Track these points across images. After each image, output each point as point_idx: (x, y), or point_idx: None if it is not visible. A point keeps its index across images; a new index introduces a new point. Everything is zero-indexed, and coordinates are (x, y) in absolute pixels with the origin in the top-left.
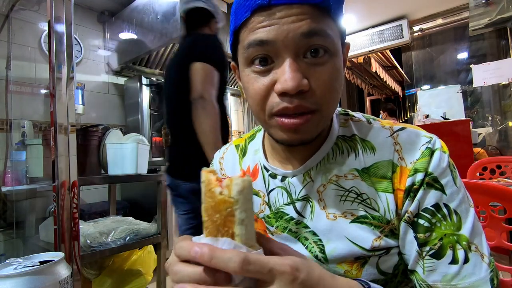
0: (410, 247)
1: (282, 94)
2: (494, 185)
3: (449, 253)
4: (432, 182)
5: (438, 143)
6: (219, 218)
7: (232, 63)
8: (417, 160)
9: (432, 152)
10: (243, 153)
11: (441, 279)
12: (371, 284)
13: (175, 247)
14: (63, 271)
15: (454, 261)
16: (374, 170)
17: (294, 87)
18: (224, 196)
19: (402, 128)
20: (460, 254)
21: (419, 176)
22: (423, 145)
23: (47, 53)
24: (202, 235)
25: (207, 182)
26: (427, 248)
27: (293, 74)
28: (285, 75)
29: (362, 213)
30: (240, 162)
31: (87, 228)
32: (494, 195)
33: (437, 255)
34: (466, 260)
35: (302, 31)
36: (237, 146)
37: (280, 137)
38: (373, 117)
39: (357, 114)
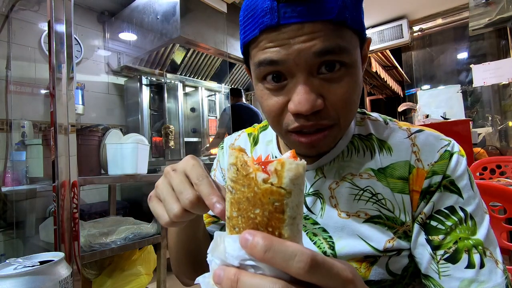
0: (422, 250)
1: (297, 115)
2: (494, 185)
3: (464, 257)
4: (450, 185)
5: (457, 146)
6: (260, 214)
7: (245, 66)
8: (435, 162)
9: (451, 155)
10: (255, 141)
11: (459, 284)
12: None
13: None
14: (63, 271)
15: (470, 265)
16: (390, 170)
17: (308, 110)
18: (272, 185)
19: (420, 130)
20: (476, 258)
21: (437, 179)
22: (442, 147)
23: (47, 53)
24: (223, 232)
25: (242, 165)
26: (442, 252)
27: (307, 96)
28: (299, 96)
29: (376, 213)
30: (251, 150)
31: (87, 228)
32: (494, 195)
33: (453, 259)
34: (482, 265)
35: (314, 51)
36: (249, 134)
37: (298, 150)
38: (390, 117)
39: (374, 114)
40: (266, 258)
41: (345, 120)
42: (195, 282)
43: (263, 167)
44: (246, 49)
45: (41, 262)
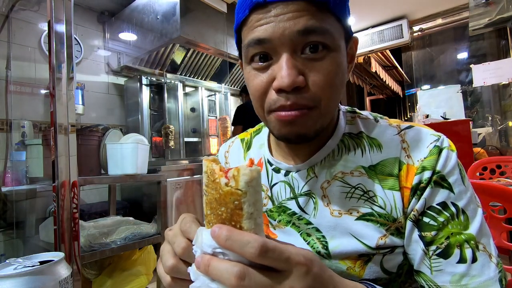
0: (416, 246)
1: (279, 91)
2: (494, 185)
3: (456, 252)
4: (440, 181)
5: (446, 141)
6: (225, 211)
7: (240, 60)
8: (424, 158)
9: (440, 150)
10: (248, 146)
11: (450, 279)
12: (377, 287)
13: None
14: (63, 271)
15: (461, 260)
16: (381, 167)
17: (289, 83)
18: (231, 188)
19: (410, 127)
20: (468, 253)
21: (427, 174)
22: (431, 143)
23: (47, 53)
24: (203, 227)
25: (211, 172)
26: (434, 247)
27: (289, 71)
28: (281, 71)
29: (368, 210)
30: (245, 155)
31: (87, 228)
32: (494, 195)
33: (444, 254)
34: (474, 260)
35: (298, 29)
36: (242, 140)
37: (278, 131)
38: (380, 115)
39: (365, 112)
40: (227, 246)
41: (326, 105)
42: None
43: (226, 173)
44: (238, 33)
45: (41, 262)
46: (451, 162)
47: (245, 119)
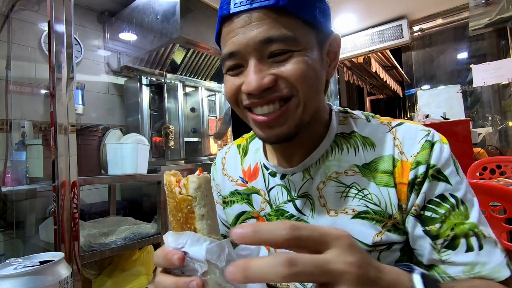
0: (422, 242)
1: (249, 95)
2: (494, 185)
3: (462, 242)
4: (436, 174)
5: (437, 135)
6: (182, 216)
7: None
8: (418, 153)
9: (432, 144)
10: (245, 152)
11: (463, 269)
12: (413, 266)
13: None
14: (63, 271)
15: (469, 249)
16: (375, 165)
17: (256, 87)
18: (183, 195)
19: (400, 123)
20: (474, 241)
21: (422, 169)
22: (422, 138)
23: (47, 53)
24: (169, 231)
25: (168, 184)
26: (441, 241)
27: (255, 76)
28: (248, 77)
29: (363, 208)
30: (242, 161)
31: (87, 228)
32: (494, 195)
33: (452, 245)
34: (480, 247)
35: (259, 39)
36: (238, 146)
37: (259, 134)
38: (372, 114)
39: (356, 112)
40: (257, 238)
41: (304, 94)
42: None
43: (179, 183)
44: (219, 45)
45: (41, 262)
46: (444, 154)
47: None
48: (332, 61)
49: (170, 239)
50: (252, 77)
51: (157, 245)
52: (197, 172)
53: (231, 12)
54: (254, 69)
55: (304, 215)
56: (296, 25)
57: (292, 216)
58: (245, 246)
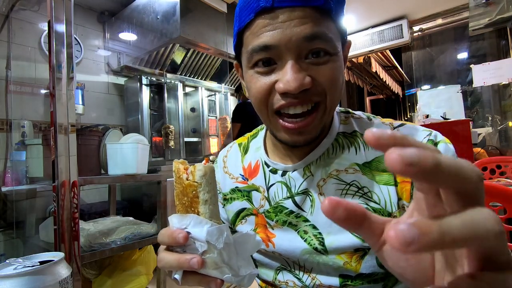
0: None
1: (284, 94)
2: (494, 185)
3: None
4: None
5: (440, 136)
6: (187, 200)
7: (235, 62)
8: None
9: (435, 144)
10: (245, 150)
11: None
12: None
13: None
14: (63, 271)
15: None
16: (375, 164)
17: (296, 87)
18: (189, 181)
19: (402, 124)
20: None
21: None
22: (424, 138)
23: (47, 53)
24: (174, 214)
25: (177, 171)
26: None
27: (296, 75)
28: (287, 76)
29: (363, 206)
30: (242, 159)
31: (87, 228)
32: (494, 195)
33: None
34: None
35: (304, 35)
36: (240, 145)
37: (284, 138)
38: (373, 115)
39: (358, 112)
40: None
41: (331, 100)
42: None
43: (186, 170)
44: (239, 37)
45: (41, 262)
46: (449, 153)
47: (244, 117)
48: (344, 65)
49: (175, 220)
50: (292, 76)
51: (157, 245)
52: (204, 161)
53: (275, 5)
54: (294, 68)
55: (304, 211)
56: (333, 28)
57: (291, 212)
58: (242, 233)
